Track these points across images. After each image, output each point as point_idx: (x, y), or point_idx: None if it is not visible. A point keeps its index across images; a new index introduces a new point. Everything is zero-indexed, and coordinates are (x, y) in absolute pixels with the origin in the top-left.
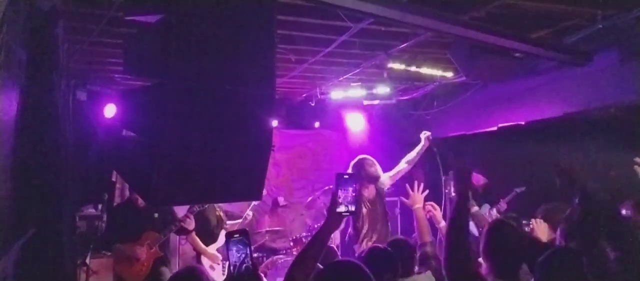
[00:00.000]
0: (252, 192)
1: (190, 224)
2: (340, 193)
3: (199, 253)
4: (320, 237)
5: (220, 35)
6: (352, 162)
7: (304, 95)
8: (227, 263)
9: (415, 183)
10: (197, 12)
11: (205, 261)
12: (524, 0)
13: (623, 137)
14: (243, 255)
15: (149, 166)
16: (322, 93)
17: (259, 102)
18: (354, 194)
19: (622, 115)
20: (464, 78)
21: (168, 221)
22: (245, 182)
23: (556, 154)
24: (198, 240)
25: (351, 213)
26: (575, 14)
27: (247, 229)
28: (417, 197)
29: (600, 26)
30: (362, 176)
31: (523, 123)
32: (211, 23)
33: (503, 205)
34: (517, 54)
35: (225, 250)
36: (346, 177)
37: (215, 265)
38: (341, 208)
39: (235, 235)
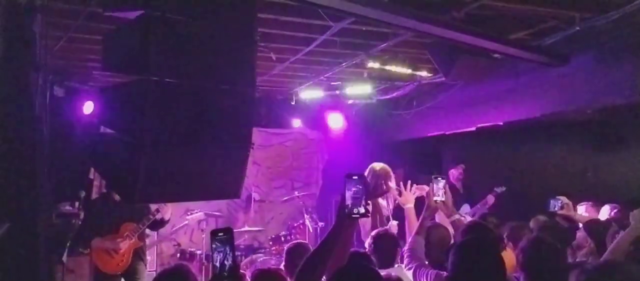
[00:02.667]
0: (231, 189)
1: (167, 213)
2: (348, 194)
3: None
4: (329, 242)
5: (200, 33)
6: (377, 168)
7: (285, 94)
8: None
9: (409, 183)
10: (177, 9)
11: None
12: (502, 2)
13: (599, 139)
14: (227, 254)
15: (128, 163)
16: (302, 92)
17: (239, 100)
18: (364, 195)
19: (598, 117)
20: (443, 78)
21: (145, 212)
22: (224, 179)
23: (533, 155)
24: None
25: (363, 215)
26: (553, 16)
27: (231, 227)
28: (409, 196)
29: (578, 28)
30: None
31: (501, 123)
32: (191, 20)
33: (483, 209)
34: (496, 55)
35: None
36: (355, 177)
37: None
38: (352, 210)
39: (220, 234)
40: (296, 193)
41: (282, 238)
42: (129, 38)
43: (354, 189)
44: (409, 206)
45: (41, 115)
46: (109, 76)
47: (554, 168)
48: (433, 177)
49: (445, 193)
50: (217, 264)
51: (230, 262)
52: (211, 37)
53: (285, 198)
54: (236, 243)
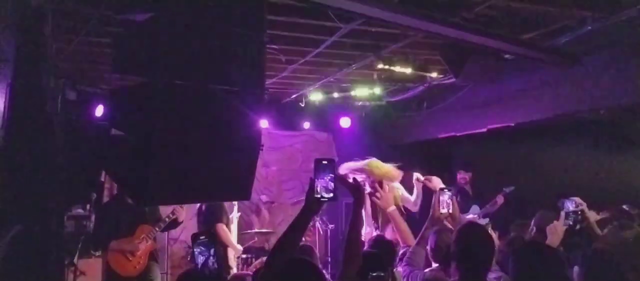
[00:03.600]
0: (240, 191)
1: (181, 215)
2: (317, 179)
3: (225, 246)
4: (297, 223)
5: (209, 35)
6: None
7: (294, 95)
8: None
9: (384, 183)
10: (187, 12)
11: (230, 253)
12: (513, 1)
13: (612, 139)
14: (208, 256)
15: (138, 166)
16: (312, 94)
17: (249, 102)
18: (332, 181)
19: (611, 117)
20: (453, 79)
21: (159, 214)
22: (234, 181)
23: (545, 156)
24: (227, 231)
25: (330, 199)
26: (564, 16)
27: (213, 232)
28: (389, 197)
29: (589, 28)
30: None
31: (512, 124)
32: (201, 23)
33: (492, 210)
34: (506, 56)
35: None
36: (325, 162)
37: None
38: (319, 194)
39: (201, 237)
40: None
41: None
42: (139, 40)
43: (323, 175)
44: (392, 209)
45: (53, 118)
46: (119, 79)
47: (566, 169)
48: (439, 188)
49: (452, 204)
50: (200, 265)
51: (212, 263)
52: (220, 40)
53: (295, 200)
54: (247, 245)
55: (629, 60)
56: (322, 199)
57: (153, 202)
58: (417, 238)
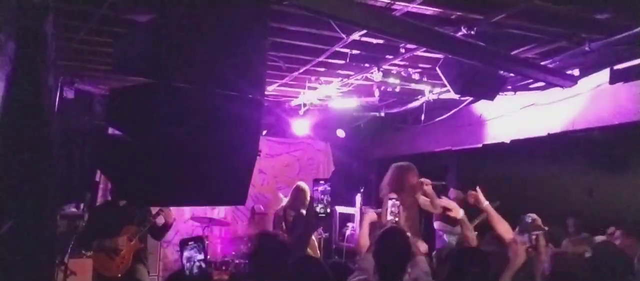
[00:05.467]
0: (236, 196)
1: (170, 217)
2: (316, 197)
3: None
4: (302, 237)
5: (211, 38)
6: (396, 167)
7: (293, 103)
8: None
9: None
10: (189, 14)
11: None
12: (514, 20)
13: (605, 160)
14: (196, 259)
15: (133, 166)
16: (311, 103)
17: (248, 107)
18: (329, 198)
19: (604, 138)
20: (452, 94)
21: (146, 216)
22: (230, 186)
23: (539, 174)
24: None
25: (327, 215)
26: (563, 36)
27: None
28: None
29: (587, 49)
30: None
31: (508, 141)
32: (203, 25)
33: None
34: (504, 73)
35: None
36: (322, 182)
37: None
38: (318, 210)
39: (190, 242)
40: None
41: None
42: (139, 41)
43: (320, 193)
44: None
45: (51, 115)
46: (118, 79)
47: (560, 187)
48: (386, 197)
49: (398, 213)
50: (187, 269)
51: (199, 267)
52: (222, 43)
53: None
54: (243, 250)
55: (625, 81)
56: (319, 215)
57: (147, 203)
58: (369, 246)
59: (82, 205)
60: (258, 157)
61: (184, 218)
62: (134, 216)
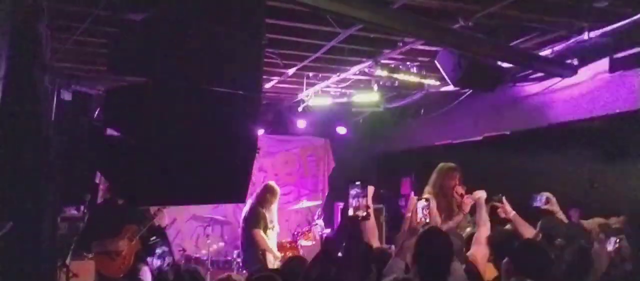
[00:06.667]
0: (235, 193)
1: (162, 219)
2: (351, 199)
3: (264, 250)
4: (336, 241)
5: (207, 36)
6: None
7: (291, 100)
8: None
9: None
10: (184, 12)
11: (269, 257)
12: (511, 10)
13: (607, 149)
14: (164, 253)
15: (132, 166)
16: (309, 99)
17: (245, 105)
18: (364, 200)
19: (606, 127)
20: (451, 86)
21: (146, 215)
22: (230, 184)
23: (540, 164)
24: (264, 237)
25: (363, 218)
26: (562, 25)
27: (165, 232)
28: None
29: (586, 38)
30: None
31: (508, 133)
32: (198, 23)
33: None
34: (503, 64)
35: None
36: (358, 183)
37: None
38: (351, 212)
39: (152, 238)
40: (304, 199)
41: (287, 245)
42: (134, 40)
43: (355, 195)
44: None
45: (48, 118)
46: (115, 80)
47: (561, 178)
48: (416, 198)
49: (429, 213)
50: (157, 266)
51: (168, 260)
52: (218, 41)
53: (292, 207)
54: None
55: (625, 70)
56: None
57: (145, 202)
58: (396, 250)
59: (82, 208)
60: (257, 155)
61: (184, 218)
62: (134, 215)
